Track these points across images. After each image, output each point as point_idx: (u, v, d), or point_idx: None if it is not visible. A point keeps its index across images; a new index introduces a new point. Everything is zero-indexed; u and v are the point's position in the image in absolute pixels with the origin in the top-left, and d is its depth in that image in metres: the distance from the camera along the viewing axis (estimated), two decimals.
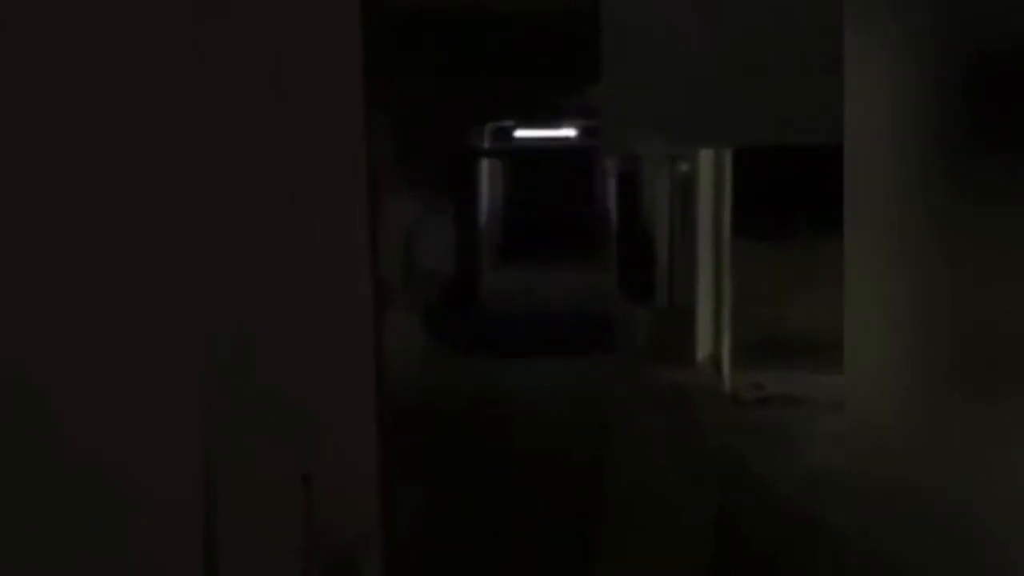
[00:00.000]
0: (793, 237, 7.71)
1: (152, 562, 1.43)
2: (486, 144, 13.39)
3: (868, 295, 1.71)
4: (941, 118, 1.58)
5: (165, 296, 1.48)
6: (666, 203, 8.33)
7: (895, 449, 1.67)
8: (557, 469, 5.27)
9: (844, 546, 1.77)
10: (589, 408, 6.48)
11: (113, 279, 1.42)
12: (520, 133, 13.90)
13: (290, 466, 1.81)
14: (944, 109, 1.58)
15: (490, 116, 12.00)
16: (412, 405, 6.10)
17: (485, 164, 13.94)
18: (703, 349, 7.23)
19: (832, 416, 5.80)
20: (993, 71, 1.50)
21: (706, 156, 6.91)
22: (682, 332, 7.42)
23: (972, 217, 1.55)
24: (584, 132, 12.86)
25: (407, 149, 8.19)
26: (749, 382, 6.75)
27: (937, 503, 1.58)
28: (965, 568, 1.53)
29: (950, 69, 1.55)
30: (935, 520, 1.58)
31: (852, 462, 1.76)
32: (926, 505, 1.60)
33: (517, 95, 9.95)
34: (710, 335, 7.17)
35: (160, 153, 1.51)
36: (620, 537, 4.33)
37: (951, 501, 1.56)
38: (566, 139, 13.69)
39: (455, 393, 6.81)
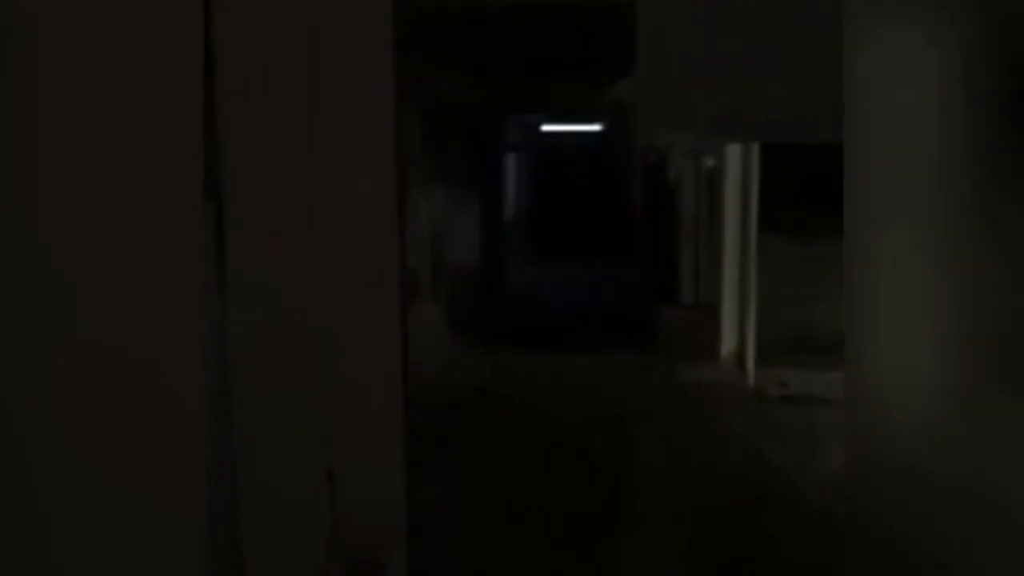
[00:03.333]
0: (821, 234, 7.67)
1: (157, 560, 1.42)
2: (513, 138, 13.41)
3: (872, 292, 1.71)
4: (956, 114, 1.57)
5: (179, 290, 1.46)
6: (692, 198, 8.30)
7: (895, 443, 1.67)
8: (581, 462, 5.28)
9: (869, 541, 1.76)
10: (614, 402, 6.49)
11: (126, 267, 1.40)
12: (547, 128, 13.92)
13: (314, 461, 1.81)
14: (958, 105, 1.57)
15: (517, 110, 12.01)
16: (438, 398, 6.15)
17: (512, 158, 13.96)
18: (727, 346, 7.21)
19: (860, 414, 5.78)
20: (1008, 69, 1.50)
21: (733, 151, 6.87)
22: (707, 328, 7.41)
23: (989, 215, 1.55)
24: (612, 127, 12.86)
25: (434, 144, 8.21)
26: (773, 379, 6.73)
27: (965, 496, 1.57)
28: (998, 564, 1.52)
29: (961, 66, 1.55)
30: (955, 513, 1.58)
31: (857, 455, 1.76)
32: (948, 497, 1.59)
33: (545, 90, 9.94)
34: (735, 332, 7.15)
35: (181, 148, 1.49)
36: (634, 530, 4.33)
37: (977, 495, 1.55)
38: (594, 134, 13.70)
39: (480, 386, 6.83)
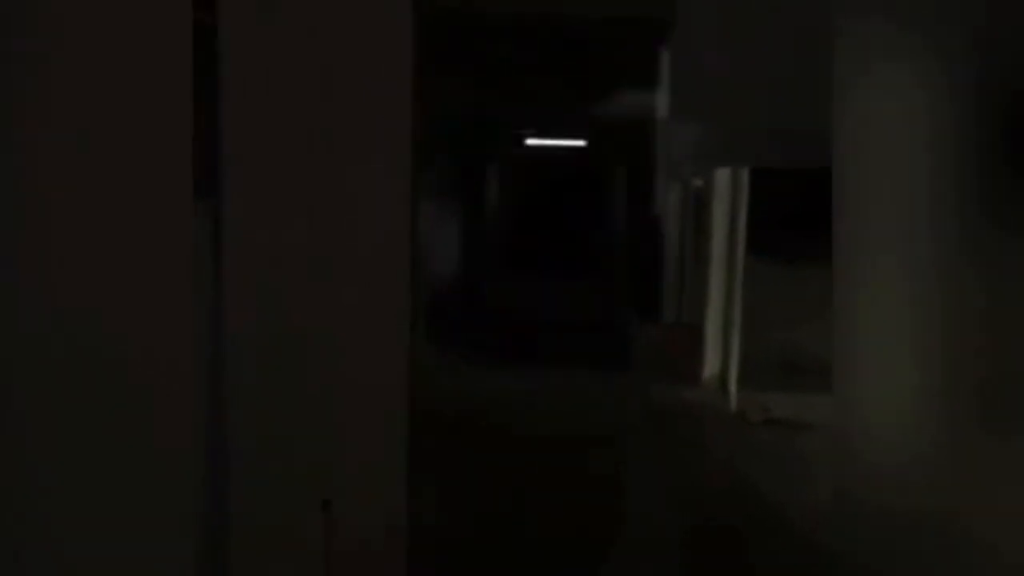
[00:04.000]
0: (805, 257, 7.65)
1: None
2: (496, 151, 13.34)
3: (860, 318, 1.68)
4: (942, 145, 1.55)
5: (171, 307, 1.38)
6: (678, 217, 8.27)
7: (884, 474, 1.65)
8: (558, 479, 5.20)
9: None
10: (593, 421, 6.41)
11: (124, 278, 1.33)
12: (531, 142, 13.84)
13: (310, 491, 1.69)
14: (948, 133, 1.55)
15: (501, 124, 11.94)
16: (415, 410, 6.02)
17: (495, 171, 13.88)
18: (711, 367, 7.16)
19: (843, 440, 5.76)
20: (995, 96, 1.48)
21: (723, 173, 6.83)
22: (691, 349, 7.35)
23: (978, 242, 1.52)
24: (596, 142, 12.82)
25: (415, 155, 8.10)
26: (755, 403, 6.69)
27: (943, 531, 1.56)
28: None
29: (947, 97, 1.53)
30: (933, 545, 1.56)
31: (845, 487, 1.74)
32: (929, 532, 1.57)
33: (529, 104, 9.90)
34: (719, 353, 7.10)
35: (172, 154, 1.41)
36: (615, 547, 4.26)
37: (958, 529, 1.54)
38: (578, 149, 13.64)
39: (458, 399, 6.74)
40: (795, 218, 7.07)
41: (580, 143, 13.27)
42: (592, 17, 7.00)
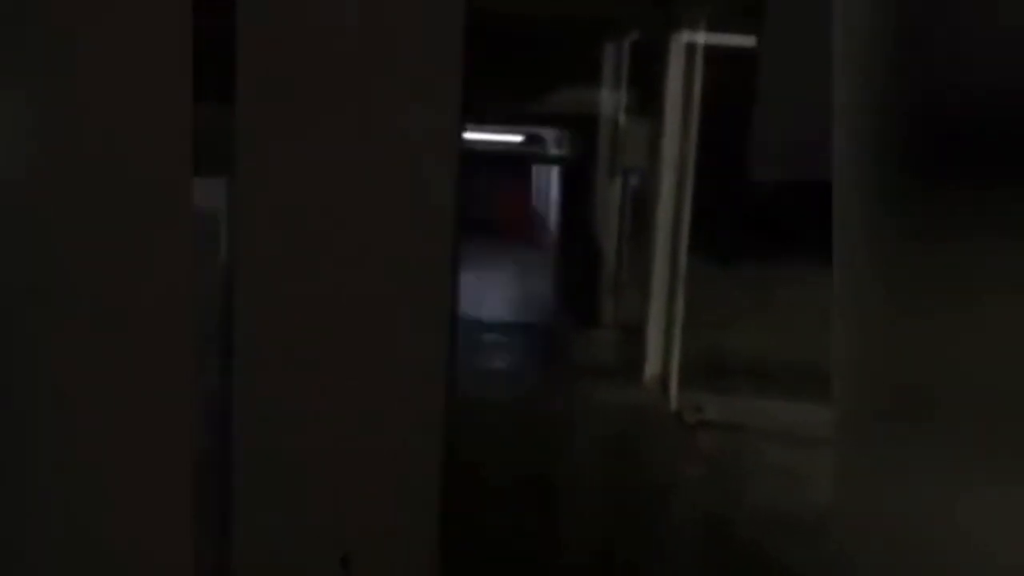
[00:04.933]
0: (741, 257, 7.68)
1: None
2: None
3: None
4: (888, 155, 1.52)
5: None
6: (616, 217, 8.22)
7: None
8: (494, 482, 5.09)
9: None
10: (531, 423, 6.32)
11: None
12: (465, 136, 13.71)
13: (327, 547, 1.50)
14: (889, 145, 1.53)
15: None
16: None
17: None
18: (651, 368, 7.12)
19: (777, 446, 5.79)
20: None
21: (669, 172, 6.80)
22: (631, 350, 7.31)
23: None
24: (529, 139, 12.75)
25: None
26: (690, 404, 6.68)
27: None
28: None
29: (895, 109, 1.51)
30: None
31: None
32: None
33: (465, 98, 9.76)
34: (659, 354, 7.07)
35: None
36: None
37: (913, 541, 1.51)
38: (512, 144, 13.56)
39: None
40: (743, 218, 7.10)
41: (517, 138, 13.20)
42: (536, 17, 6.90)
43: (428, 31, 1.68)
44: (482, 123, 12.56)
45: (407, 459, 1.61)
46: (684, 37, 6.85)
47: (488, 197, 14.76)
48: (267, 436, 1.45)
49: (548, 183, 12.94)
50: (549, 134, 11.52)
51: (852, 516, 1.60)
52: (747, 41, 7.25)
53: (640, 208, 7.65)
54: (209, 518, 1.40)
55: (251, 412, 1.46)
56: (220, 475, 1.41)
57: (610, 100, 8.31)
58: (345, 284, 1.55)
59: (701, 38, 6.66)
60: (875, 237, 1.53)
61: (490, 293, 11.63)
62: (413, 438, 1.59)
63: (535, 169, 14.13)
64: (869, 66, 1.51)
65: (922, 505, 1.51)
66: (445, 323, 1.64)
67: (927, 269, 1.48)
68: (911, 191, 1.49)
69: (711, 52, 6.74)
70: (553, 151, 11.90)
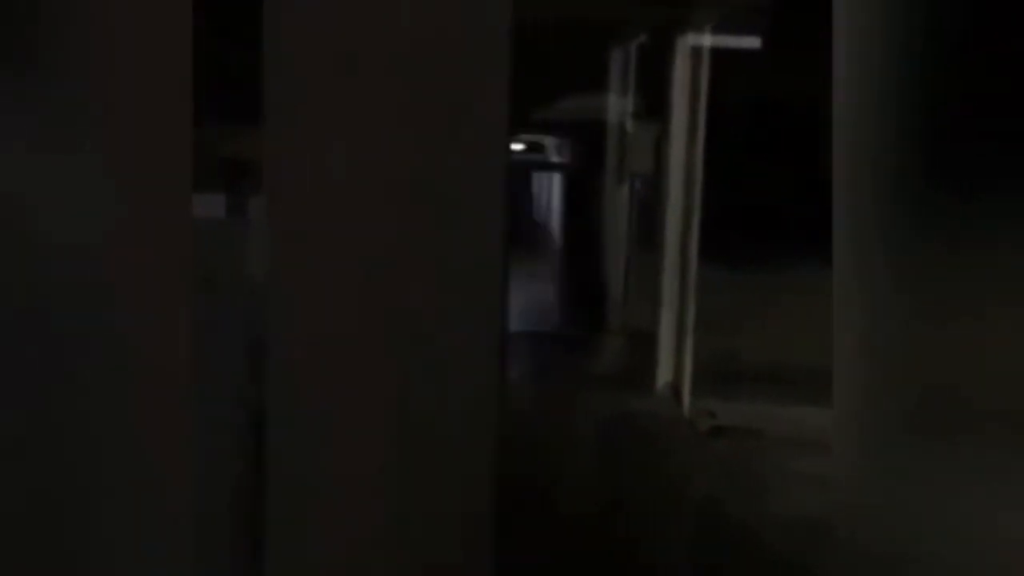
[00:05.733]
0: (753, 263, 7.62)
1: None
2: None
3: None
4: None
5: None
6: (624, 222, 8.16)
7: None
8: (513, 497, 5.00)
9: None
10: (544, 432, 6.25)
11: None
12: None
13: None
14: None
15: None
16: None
17: None
18: (663, 376, 7.05)
19: (793, 450, 5.72)
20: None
21: (676, 175, 6.74)
22: (639, 357, 7.24)
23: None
24: (531, 147, 12.68)
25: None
26: (703, 410, 6.62)
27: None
28: None
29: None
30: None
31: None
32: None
33: None
34: (671, 361, 6.99)
35: None
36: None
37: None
38: (513, 152, 13.49)
39: None
40: (748, 221, 7.03)
41: (518, 146, 13.13)
42: (541, 20, 6.83)
43: (472, 36, 1.61)
44: None
45: (458, 480, 1.51)
46: (690, 40, 6.79)
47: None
48: (301, 458, 1.37)
49: (551, 190, 12.88)
50: (551, 141, 11.46)
51: (857, 518, 1.57)
52: (754, 43, 7.21)
53: (648, 214, 7.59)
54: (242, 547, 1.31)
55: (285, 432, 1.38)
56: (254, 500, 1.33)
57: (616, 105, 8.25)
58: (391, 297, 1.47)
59: (707, 40, 6.60)
60: (877, 238, 1.51)
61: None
62: (464, 458, 1.50)
63: (536, 177, 14.08)
64: (869, 66, 1.49)
65: (925, 507, 1.49)
66: (496, 337, 1.54)
67: (930, 271, 1.45)
68: (910, 193, 1.47)
69: (717, 55, 6.68)
70: (555, 158, 11.84)
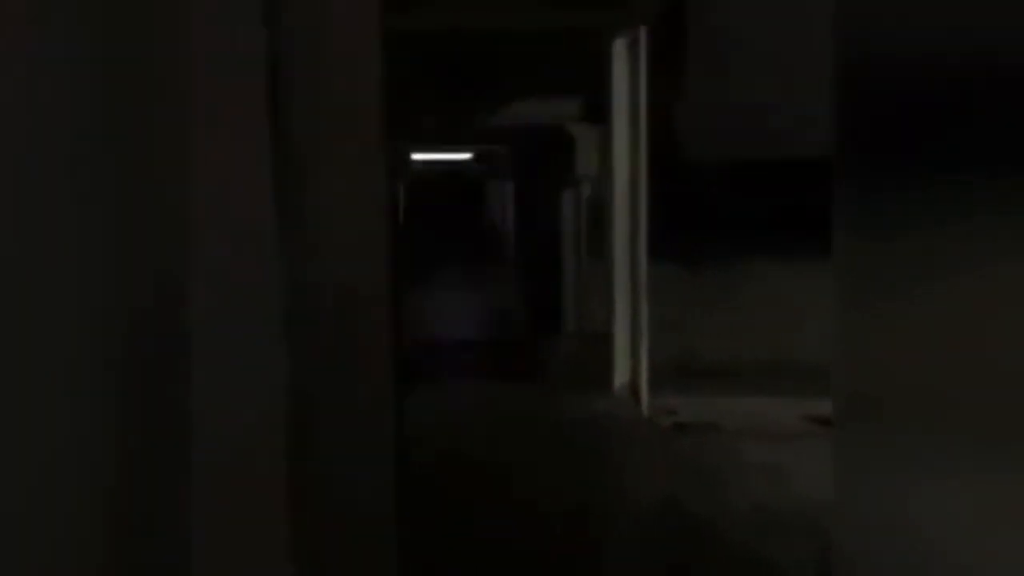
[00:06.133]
0: (705, 259, 7.67)
1: None
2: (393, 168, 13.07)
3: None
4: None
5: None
6: (572, 225, 8.20)
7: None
8: (467, 497, 5.01)
9: None
10: (502, 437, 6.25)
11: None
12: (416, 156, 13.65)
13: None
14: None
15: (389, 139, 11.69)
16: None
17: (395, 189, 13.60)
18: (620, 376, 7.07)
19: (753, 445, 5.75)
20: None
21: (621, 177, 6.77)
22: (599, 357, 7.26)
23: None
24: (479, 157, 12.71)
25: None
26: (662, 408, 6.65)
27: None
28: None
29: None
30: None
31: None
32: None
33: (412, 119, 9.70)
34: (627, 361, 7.02)
35: None
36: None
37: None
38: (464, 163, 13.52)
39: None
40: (696, 218, 7.08)
41: (466, 156, 13.17)
42: (482, 29, 6.85)
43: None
44: (429, 143, 12.50)
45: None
46: (626, 39, 6.83)
47: (440, 217, 14.70)
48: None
49: (502, 198, 12.90)
50: (499, 149, 11.48)
51: (852, 513, 1.58)
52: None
53: (597, 215, 7.63)
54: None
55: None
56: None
57: (557, 109, 8.28)
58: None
59: (643, 38, 6.63)
60: (876, 237, 1.50)
61: (453, 312, 11.57)
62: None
63: (487, 184, 14.11)
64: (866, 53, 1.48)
65: (919, 501, 1.49)
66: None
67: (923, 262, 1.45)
68: (906, 182, 1.46)
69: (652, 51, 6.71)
70: (503, 165, 11.86)
